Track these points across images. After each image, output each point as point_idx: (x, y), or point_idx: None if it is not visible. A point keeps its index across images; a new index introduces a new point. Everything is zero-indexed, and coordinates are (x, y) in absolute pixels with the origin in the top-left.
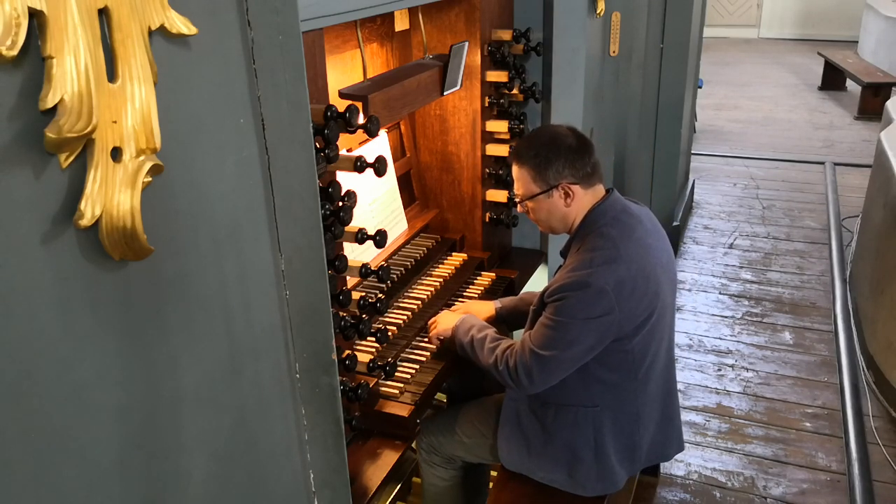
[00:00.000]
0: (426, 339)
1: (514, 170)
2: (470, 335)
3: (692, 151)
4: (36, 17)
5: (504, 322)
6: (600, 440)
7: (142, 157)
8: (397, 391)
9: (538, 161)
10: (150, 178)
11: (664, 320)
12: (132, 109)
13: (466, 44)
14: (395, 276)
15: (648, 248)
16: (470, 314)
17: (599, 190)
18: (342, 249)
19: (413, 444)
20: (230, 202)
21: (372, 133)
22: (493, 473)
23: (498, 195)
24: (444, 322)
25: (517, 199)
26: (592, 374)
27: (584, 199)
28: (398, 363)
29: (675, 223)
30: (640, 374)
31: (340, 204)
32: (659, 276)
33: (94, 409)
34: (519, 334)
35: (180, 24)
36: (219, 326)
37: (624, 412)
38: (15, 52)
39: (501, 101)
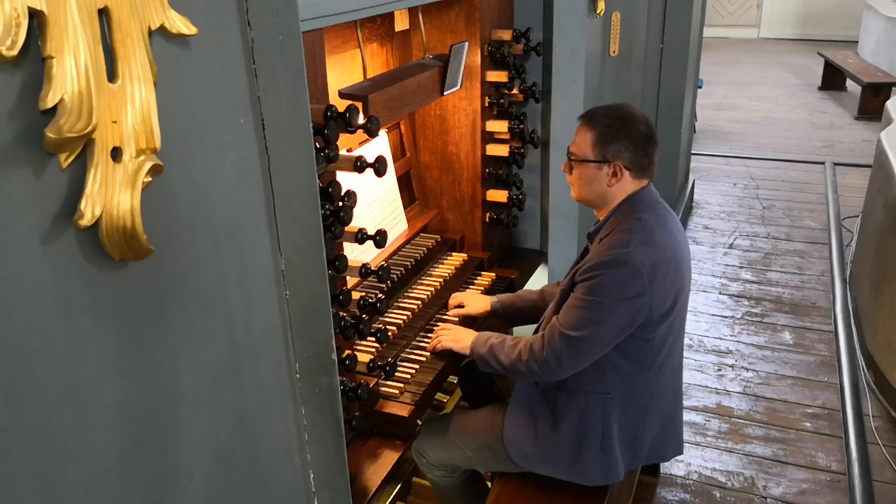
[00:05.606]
0: (427, 339)
1: (580, 128)
2: (489, 344)
3: (692, 151)
4: (36, 17)
5: (500, 317)
6: (607, 428)
7: (142, 157)
8: (397, 391)
9: (607, 131)
10: (150, 178)
11: (683, 314)
12: (132, 109)
13: (466, 44)
14: (395, 276)
15: (678, 241)
16: (480, 332)
17: (644, 182)
18: (342, 249)
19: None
20: (230, 202)
21: (372, 133)
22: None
23: (498, 195)
24: (457, 340)
25: (569, 156)
26: (608, 361)
27: (628, 185)
28: (398, 363)
29: None
30: (654, 366)
31: (340, 204)
32: (684, 271)
33: (94, 409)
34: (517, 331)
35: (180, 24)
36: (219, 326)
37: (633, 403)
38: (15, 52)
39: (501, 101)
